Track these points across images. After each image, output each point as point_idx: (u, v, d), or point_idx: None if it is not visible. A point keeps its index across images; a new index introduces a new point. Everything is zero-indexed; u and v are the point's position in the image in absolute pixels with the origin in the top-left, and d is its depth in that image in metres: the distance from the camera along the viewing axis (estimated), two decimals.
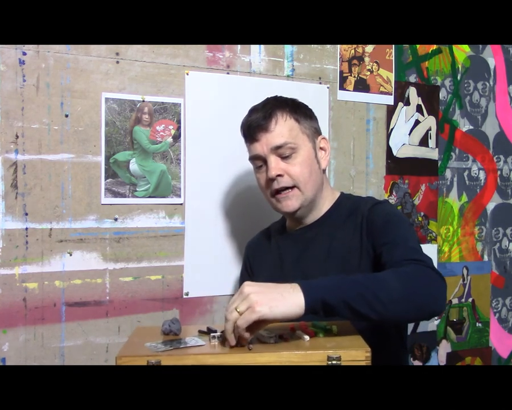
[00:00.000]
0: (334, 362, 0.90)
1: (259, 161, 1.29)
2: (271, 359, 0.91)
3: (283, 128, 1.26)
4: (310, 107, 1.35)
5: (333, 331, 1.02)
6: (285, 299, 0.96)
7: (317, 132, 1.34)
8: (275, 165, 1.25)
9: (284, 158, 1.26)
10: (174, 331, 1.04)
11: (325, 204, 1.34)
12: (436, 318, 1.98)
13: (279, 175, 1.25)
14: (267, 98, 1.33)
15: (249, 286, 0.97)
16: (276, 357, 0.91)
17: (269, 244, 1.43)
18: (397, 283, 1.02)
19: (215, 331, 1.01)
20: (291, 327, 1.04)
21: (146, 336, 1.03)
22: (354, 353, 0.91)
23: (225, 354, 0.93)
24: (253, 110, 1.31)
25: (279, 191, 1.27)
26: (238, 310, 0.94)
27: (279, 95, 1.34)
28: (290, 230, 1.39)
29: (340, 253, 1.25)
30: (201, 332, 1.05)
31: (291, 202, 1.27)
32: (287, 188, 1.26)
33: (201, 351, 0.94)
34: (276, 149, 1.25)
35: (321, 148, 1.34)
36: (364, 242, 1.23)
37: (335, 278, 1.04)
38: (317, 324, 1.03)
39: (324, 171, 1.35)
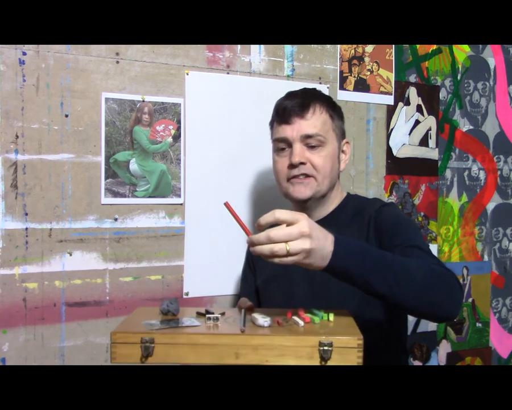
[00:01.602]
0: (325, 347, 0.90)
1: (283, 144, 1.30)
2: (263, 342, 0.91)
3: (317, 120, 1.27)
4: None
5: (330, 319, 1.02)
6: (322, 260, 0.96)
7: (343, 135, 1.37)
8: (300, 152, 1.26)
9: (310, 147, 1.27)
10: (172, 311, 1.05)
11: (333, 203, 1.36)
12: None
13: (302, 163, 1.26)
14: (305, 87, 1.36)
15: (310, 239, 0.93)
16: (268, 340, 0.92)
17: None
18: (421, 274, 1.02)
19: (213, 313, 1.02)
20: (289, 313, 1.04)
21: (145, 315, 1.05)
22: (346, 339, 0.91)
23: (218, 335, 0.94)
24: (291, 94, 1.32)
25: (296, 176, 1.28)
26: (288, 248, 0.92)
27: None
28: None
29: None
30: (198, 313, 1.06)
31: (305, 189, 1.28)
32: (304, 175, 1.27)
33: (194, 331, 0.95)
34: (306, 138, 1.26)
35: (342, 151, 1.36)
36: (371, 242, 1.24)
37: (363, 247, 1.03)
38: (315, 312, 1.04)
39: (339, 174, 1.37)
